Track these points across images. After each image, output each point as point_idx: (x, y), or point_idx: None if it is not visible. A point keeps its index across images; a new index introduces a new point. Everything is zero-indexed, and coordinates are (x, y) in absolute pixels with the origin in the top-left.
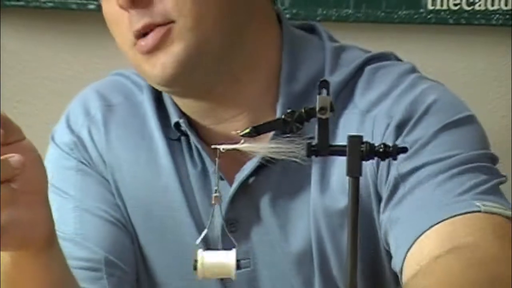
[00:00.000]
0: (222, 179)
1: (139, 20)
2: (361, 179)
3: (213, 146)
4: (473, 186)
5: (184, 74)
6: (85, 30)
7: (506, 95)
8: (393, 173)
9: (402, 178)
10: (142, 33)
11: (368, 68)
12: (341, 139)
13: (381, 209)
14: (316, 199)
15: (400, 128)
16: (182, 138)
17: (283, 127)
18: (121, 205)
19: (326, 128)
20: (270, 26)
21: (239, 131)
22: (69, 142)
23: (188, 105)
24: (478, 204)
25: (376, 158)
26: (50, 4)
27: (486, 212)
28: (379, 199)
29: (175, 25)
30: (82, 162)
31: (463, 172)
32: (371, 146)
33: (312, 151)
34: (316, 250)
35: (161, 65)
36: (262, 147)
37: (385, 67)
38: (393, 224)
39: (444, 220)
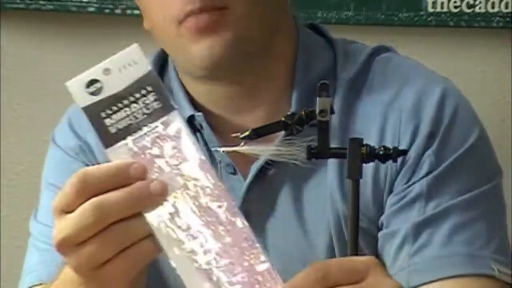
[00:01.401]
0: (235, 174)
1: (196, 0)
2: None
3: (213, 148)
4: (491, 237)
5: (229, 60)
6: (85, 32)
7: (506, 98)
8: (418, 186)
9: (426, 196)
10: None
11: (378, 59)
12: (362, 129)
13: (388, 198)
14: (333, 184)
15: (429, 139)
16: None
17: (283, 130)
18: None
19: (327, 131)
20: (292, 21)
21: (239, 134)
22: (74, 147)
23: (211, 92)
24: (494, 267)
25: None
26: (50, 7)
27: (499, 280)
28: (390, 191)
29: (229, 11)
30: (88, 166)
31: (482, 216)
32: (371, 148)
33: (312, 154)
34: (336, 237)
35: (210, 47)
36: (263, 149)
37: (394, 58)
38: (397, 239)
39: (461, 276)
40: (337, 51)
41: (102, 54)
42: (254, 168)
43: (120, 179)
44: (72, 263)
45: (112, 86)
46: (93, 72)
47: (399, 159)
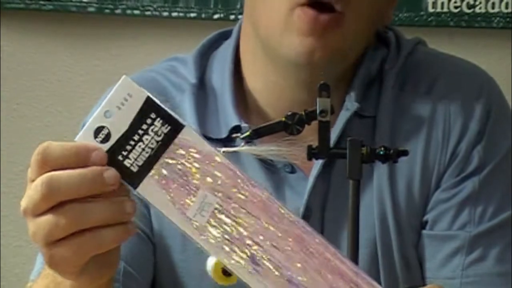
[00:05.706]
0: (293, 172)
1: None
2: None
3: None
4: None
5: (324, 66)
6: (85, 32)
7: (506, 97)
8: (467, 186)
9: (477, 198)
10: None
11: (421, 52)
12: (411, 120)
13: (435, 193)
14: (382, 180)
15: (479, 134)
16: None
17: (283, 130)
18: (155, 220)
19: (327, 131)
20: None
21: (239, 134)
22: None
23: (279, 82)
24: None
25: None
26: (50, 7)
27: None
28: (437, 186)
29: (342, 20)
30: None
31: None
32: (371, 149)
33: (313, 154)
34: (379, 234)
35: (311, 50)
36: (263, 149)
37: (435, 51)
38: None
39: None
40: (391, 47)
41: (102, 54)
42: (317, 164)
43: (79, 159)
44: (30, 230)
45: (118, 127)
46: (96, 119)
47: (448, 154)
